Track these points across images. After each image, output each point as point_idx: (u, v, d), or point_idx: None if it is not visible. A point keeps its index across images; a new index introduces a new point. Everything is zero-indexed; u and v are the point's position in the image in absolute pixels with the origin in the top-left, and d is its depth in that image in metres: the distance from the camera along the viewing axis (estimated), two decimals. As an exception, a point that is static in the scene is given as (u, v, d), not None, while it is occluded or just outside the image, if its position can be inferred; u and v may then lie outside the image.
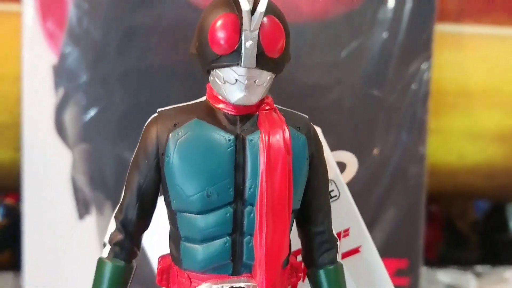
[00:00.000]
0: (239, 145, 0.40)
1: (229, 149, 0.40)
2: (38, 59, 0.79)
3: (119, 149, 0.80)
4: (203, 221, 0.40)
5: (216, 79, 0.40)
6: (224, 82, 0.39)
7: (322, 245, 0.43)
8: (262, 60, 0.39)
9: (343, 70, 0.81)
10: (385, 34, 0.81)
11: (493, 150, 0.94)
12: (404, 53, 0.81)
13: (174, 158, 0.40)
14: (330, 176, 0.45)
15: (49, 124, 0.81)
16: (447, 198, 0.99)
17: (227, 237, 0.40)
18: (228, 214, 0.40)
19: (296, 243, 0.44)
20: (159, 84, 0.80)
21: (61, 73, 0.80)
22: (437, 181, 0.91)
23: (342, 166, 0.53)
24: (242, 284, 0.40)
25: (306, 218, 0.43)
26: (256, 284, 0.40)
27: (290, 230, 0.42)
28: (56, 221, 0.81)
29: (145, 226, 0.43)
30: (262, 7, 0.38)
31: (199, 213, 0.40)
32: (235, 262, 0.40)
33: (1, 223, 0.93)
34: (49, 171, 0.81)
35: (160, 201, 0.43)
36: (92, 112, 0.80)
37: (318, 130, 0.45)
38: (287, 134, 0.40)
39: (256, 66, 0.38)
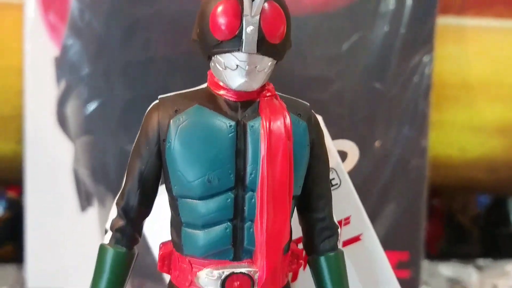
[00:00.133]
0: (240, 131, 0.40)
1: (230, 135, 0.40)
2: (40, 51, 0.80)
3: (121, 141, 0.81)
4: (204, 207, 0.40)
5: (217, 65, 0.40)
6: (225, 68, 0.39)
7: (323, 232, 0.43)
8: (263, 46, 0.39)
9: (344, 63, 0.81)
10: (386, 27, 0.81)
11: (494, 144, 0.94)
12: (406, 46, 0.81)
13: (175, 144, 0.40)
14: (331, 165, 0.45)
15: (51, 116, 0.81)
16: (448, 191, 0.99)
17: (228, 223, 0.40)
18: (229, 200, 0.40)
19: (297, 231, 0.45)
20: (161, 77, 0.80)
21: (63, 65, 0.80)
22: (438, 174, 0.91)
23: (343, 155, 0.53)
24: (243, 270, 0.40)
25: (307, 205, 0.43)
26: (257, 269, 0.40)
27: (291, 217, 0.42)
28: (58, 213, 0.82)
29: (147, 213, 0.43)
30: None
31: (200, 198, 0.40)
32: (236, 247, 0.40)
33: (3, 216, 0.94)
34: (51, 164, 0.81)
35: (161, 190, 0.43)
36: (94, 105, 0.81)
37: (320, 118, 0.45)
38: (288, 120, 0.40)
39: (257, 51, 0.38)
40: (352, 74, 0.82)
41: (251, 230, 0.40)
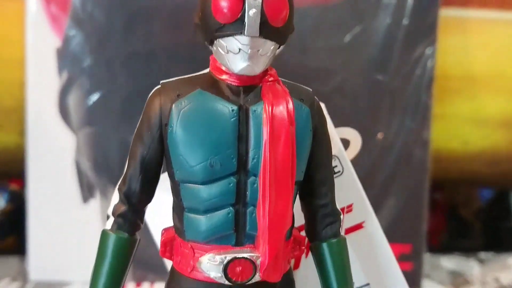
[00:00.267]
0: (242, 115, 0.40)
1: (232, 119, 0.40)
2: (41, 42, 0.80)
3: (123, 133, 0.80)
4: (206, 192, 0.40)
5: (220, 49, 0.40)
6: (228, 51, 0.39)
7: (325, 218, 0.43)
8: (266, 29, 0.38)
9: (346, 55, 0.81)
10: (389, 19, 0.80)
11: (497, 136, 0.94)
12: (408, 38, 0.81)
13: (177, 128, 0.40)
14: (333, 152, 0.45)
15: (53, 108, 0.81)
16: (450, 185, 0.99)
17: (230, 208, 0.40)
18: (231, 185, 0.40)
19: (299, 219, 0.44)
20: (163, 68, 0.80)
21: (64, 56, 0.80)
22: (440, 167, 0.91)
23: (346, 143, 0.53)
24: (245, 255, 0.40)
25: (309, 191, 0.43)
26: (259, 254, 0.40)
27: (293, 203, 0.42)
28: (60, 205, 0.82)
29: (148, 198, 0.43)
30: None
31: (202, 183, 0.40)
32: (238, 232, 0.40)
33: (5, 208, 0.94)
34: (53, 155, 0.81)
35: (162, 180, 0.43)
36: (96, 96, 0.81)
37: (322, 105, 0.45)
38: (290, 105, 0.40)
39: (260, 35, 0.38)
40: (354, 66, 0.81)
41: (253, 215, 0.40)
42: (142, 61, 0.79)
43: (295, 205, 0.43)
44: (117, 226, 0.42)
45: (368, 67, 0.81)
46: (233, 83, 0.41)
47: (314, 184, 0.43)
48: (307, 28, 0.80)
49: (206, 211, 0.40)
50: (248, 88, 0.41)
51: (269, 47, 0.39)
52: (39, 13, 0.79)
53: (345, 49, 0.81)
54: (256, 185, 0.40)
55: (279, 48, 0.41)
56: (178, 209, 0.42)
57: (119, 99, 0.80)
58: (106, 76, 0.80)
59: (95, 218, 0.83)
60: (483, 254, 0.97)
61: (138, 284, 0.83)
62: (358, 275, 0.48)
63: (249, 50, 0.39)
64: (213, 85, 0.41)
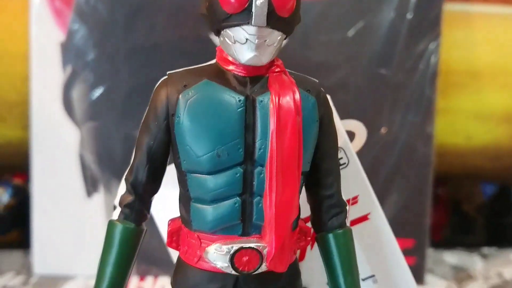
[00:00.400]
0: (249, 106, 0.40)
1: (239, 109, 0.40)
2: (45, 36, 0.80)
3: (127, 127, 0.81)
4: (213, 182, 0.40)
5: (227, 39, 0.40)
6: (235, 42, 0.39)
7: (331, 209, 0.43)
8: (273, 19, 0.38)
9: (350, 49, 0.81)
10: (393, 13, 0.80)
11: (501, 132, 0.93)
12: (412, 32, 0.81)
13: (184, 118, 0.40)
14: (339, 144, 0.45)
15: (57, 102, 0.81)
16: (453, 180, 0.99)
17: (237, 198, 0.40)
18: (238, 175, 0.40)
19: (304, 211, 0.44)
20: (166, 62, 0.80)
21: (68, 50, 0.80)
22: (443, 162, 0.91)
23: (351, 135, 0.53)
24: (251, 245, 0.40)
25: (315, 182, 0.43)
26: (265, 244, 0.40)
27: (300, 193, 0.42)
28: (64, 199, 0.82)
29: (155, 189, 0.43)
30: None
31: (209, 173, 0.40)
32: (245, 222, 0.40)
33: (9, 203, 0.94)
34: (57, 149, 0.82)
35: (168, 175, 0.43)
36: (100, 90, 0.81)
37: (328, 97, 0.45)
38: (297, 96, 0.40)
39: (267, 25, 0.38)
40: (357, 60, 0.81)
41: (260, 205, 0.40)
42: (146, 55, 0.79)
43: (300, 196, 0.43)
44: (124, 216, 0.42)
45: (371, 62, 0.81)
46: (239, 74, 0.41)
47: (320, 174, 0.43)
48: (310, 23, 0.80)
49: (212, 201, 0.40)
50: (255, 79, 0.41)
51: (276, 37, 0.39)
52: (43, 7, 0.79)
53: (349, 44, 0.81)
54: (262, 175, 0.40)
55: (285, 38, 0.41)
56: (185, 200, 0.42)
57: (122, 93, 0.80)
58: (109, 70, 0.80)
59: (99, 212, 0.83)
60: (486, 249, 0.97)
61: (142, 278, 0.83)
62: (363, 267, 0.48)
63: (256, 40, 0.39)
64: (219, 76, 0.41)
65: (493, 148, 0.94)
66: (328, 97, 0.45)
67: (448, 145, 0.93)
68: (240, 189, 0.40)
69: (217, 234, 0.41)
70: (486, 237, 1.00)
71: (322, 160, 0.43)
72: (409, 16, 0.81)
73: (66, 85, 0.81)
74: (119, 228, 0.42)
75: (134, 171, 0.42)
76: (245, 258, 0.40)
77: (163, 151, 0.42)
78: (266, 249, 0.40)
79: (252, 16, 0.38)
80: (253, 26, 0.38)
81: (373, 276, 0.52)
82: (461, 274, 0.88)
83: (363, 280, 0.51)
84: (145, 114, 0.42)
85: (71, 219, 0.82)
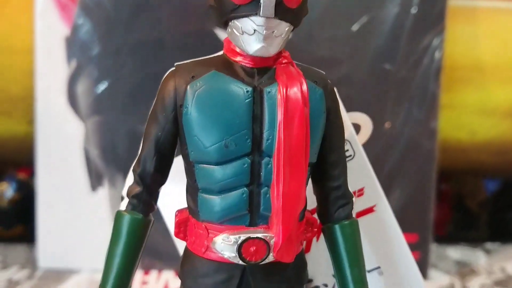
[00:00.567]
0: (257, 97, 0.40)
1: (247, 100, 0.40)
2: (50, 31, 0.80)
3: (132, 121, 0.81)
4: (221, 172, 0.40)
5: (234, 30, 0.40)
6: (242, 33, 0.39)
7: (338, 200, 0.44)
8: (281, 10, 0.39)
9: (354, 44, 0.81)
10: (397, 8, 0.80)
11: (505, 127, 0.93)
12: (416, 27, 0.81)
13: (192, 109, 0.40)
14: (345, 136, 0.45)
15: (61, 96, 0.81)
16: (457, 176, 0.99)
17: (245, 188, 0.40)
18: (246, 165, 0.40)
19: (311, 203, 0.45)
20: (171, 56, 0.80)
21: (73, 45, 0.80)
22: (447, 157, 0.91)
23: (356, 128, 0.53)
24: (259, 235, 0.40)
25: (322, 173, 0.43)
26: (272, 235, 0.40)
27: (306, 185, 0.42)
28: (69, 193, 0.82)
29: (163, 180, 0.43)
30: None
31: (217, 164, 0.40)
32: (252, 213, 0.41)
33: (14, 198, 0.94)
34: (62, 144, 0.82)
35: (172, 169, 0.43)
36: (104, 84, 0.81)
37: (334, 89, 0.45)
38: (304, 87, 0.40)
39: (275, 16, 0.38)
40: (361, 55, 0.81)
41: (267, 195, 0.40)
42: (150, 50, 0.80)
43: (307, 188, 0.43)
44: (131, 207, 0.42)
45: (375, 57, 0.81)
46: (247, 65, 0.41)
47: (327, 166, 0.43)
48: (315, 17, 0.80)
49: (220, 192, 0.40)
50: (262, 70, 0.41)
51: (284, 28, 0.40)
52: (48, 1, 0.79)
53: (353, 38, 0.81)
54: (270, 166, 0.40)
55: (293, 30, 0.41)
56: (192, 190, 0.42)
57: (127, 87, 0.81)
58: (114, 64, 0.80)
59: (103, 206, 0.83)
60: (489, 244, 0.98)
61: (146, 272, 0.83)
62: (369, 259, 0.48)
63: (264, 31, 0.39)
64: (227, 67, 0.41)
65: (497, 143, 0.94)
66: (335, 89, 0.45)
67: (452, 140, 0.93)
68: (247, 180, 0.40)
69: (225, 225, 0.41)
70: (489, 233, 1.00)
71: (329, 151, 0.43)
72: (413, 10, 0.81)
73: (70, 80, 0.81)
74: (127, 218, 0.42)
75: (142, 162, 0.42)
76: (252, 248, 0.40)
77: (171, 142, 0.42)
78: (273, 240, 0.40)
79: (260, 7, 0.38)
80: (261, 17, 0.38)
81: (378, 267, 0.52)
82: (464, 269, 0.88)
83: (369, 271, 0.51)
84: (153, 105, 0.42)
85: (75, 213, 0.83)
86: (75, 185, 0.82)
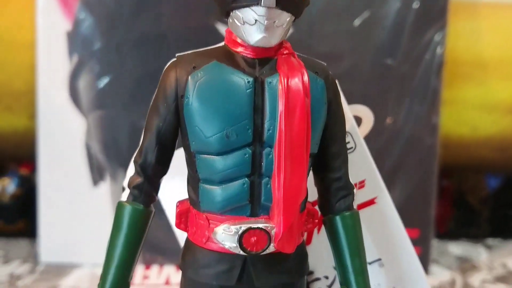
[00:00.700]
0: (258, 87, 0.40)
1: (248, 90, 0.40)
2: (52, 26, 0.80)
3: (133, 116, 0.81)
4: (222, 163, 0.40)
5: (236, 20, 0.40)
6: (244, 23, 0.39)
7: (339, 191, 0.44)
8: (282, 0, 0.39)
9: (356, 39, 0.81)
10: (399, 3, 0.80)
11: (506, 122, 0.93)
12: (418, 22, 0.81)
13: (193, 99, 0.40)
14: (346, 128, 0.45)
15: (63, 91, 0.81)
16: (458, 172, 0.99)
17: (246, 179, 0.40)
18: (247, 156, 0.40)
19: (312, 194, 0.45)
20: (173, 51, 0.79)
21: (75, 40, 0.80)
22: (449, 153, 0.91)
23: (358, 121, 0.53)
24: (260, 225, 0.40)
25: (323, 164, 0.44)
26: (273, 225, 0.40)
27: (307, 175, 0.42)
28: (70, 188, 0.83)
29: (164, 170, 0.43)
30: None
31: (218, 154, 0.40)
32: (253, 203, 0.41)
33: (15, 193, 0.94)
34: (64, 138, 0.82)
35: (172, 163, 0.43)
36: (106, 79, 0.81)
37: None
38: (306, 78, 0.40)
39: (276, 6, 0.38)
40: (363, 50, 0.81)
41: (268, 186, 0.40)
42: (152, 44, 0.80)
43: (308, 179, 0.43)
44: (132, 197, 0.42)
45: (377, 52, 0.81)
46: (248, 56, 0.41)
47: (328, 157, 0.43)
48: (316, 12, 0.80)
49: (221, 182, 0.40)
50: (264, 61, 0.41)
51: (285, 18, 0.40)
52: (50, -4, 0.79)
53: (355, 34, 0.81)
54: (271, 156, 0.40)
55: (294, 20, 0.41)
56: (193, 181, 0.42)
57: (129, 82, 0.81)
58: (116, 59, 0.80)
59: (105, 201, 0.83)
60: (490, 240, 0.97)
61: (148, 266, 0.83)
62: (369, 250, 0.48)
63: (266, 21, 0.39)
64: (228, 58, 0.41)
65: (499, 139, 0.94)
66: (336, 81, 0.45)
67: (454, 136, 0.93)
68: (248, 170, 0.40)
69: (226, 215, 0.41)
70: (491, 229, 1.00)
71: (330, 142, 0.43)
72: (415, 6, 0.80)
73: (72, 75, 0.81)
74: (128, 209, 0.42)
75: (143, 153, 0.42)
76: (253, 239, 0.40)
77: (172, 132, 0.42)
78: (274, 230, 0.40)
79: None
80: (263, 7, 0.38)
81: (379, 259, 0.52)
82: (465, 265, 0.88)
83: (370, 263, 0.51)
84: (154, 96, 0.43)
85: (77, 208, 0.83)
86: (76, 180, 0.82)
